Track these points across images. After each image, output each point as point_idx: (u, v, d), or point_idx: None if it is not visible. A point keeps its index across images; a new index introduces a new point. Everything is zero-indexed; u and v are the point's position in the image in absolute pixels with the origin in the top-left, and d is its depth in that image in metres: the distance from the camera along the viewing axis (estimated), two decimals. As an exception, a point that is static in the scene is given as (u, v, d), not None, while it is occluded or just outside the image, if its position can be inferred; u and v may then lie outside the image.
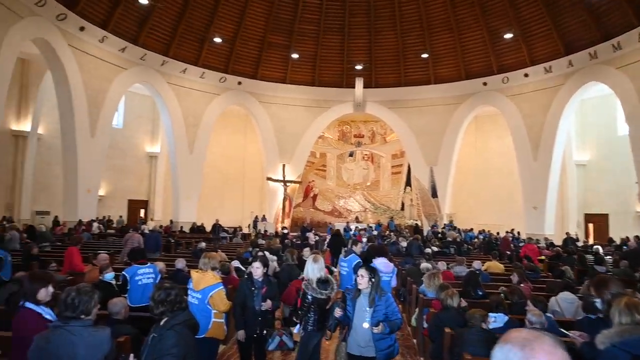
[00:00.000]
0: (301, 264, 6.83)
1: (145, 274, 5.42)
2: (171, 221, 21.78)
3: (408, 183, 26.82)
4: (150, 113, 25.96)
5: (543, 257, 11.28)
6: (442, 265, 7.74)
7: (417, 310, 6.03)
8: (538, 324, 3.83)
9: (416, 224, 22.81)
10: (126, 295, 5.18)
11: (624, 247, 12.74)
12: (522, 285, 5.83)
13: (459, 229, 19.89)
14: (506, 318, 4.30)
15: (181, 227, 21.27)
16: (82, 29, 17.34)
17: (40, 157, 20.64)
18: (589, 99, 21.65)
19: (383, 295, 3.85)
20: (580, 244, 17.84)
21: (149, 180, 25.95)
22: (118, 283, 5.39)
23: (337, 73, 24.97)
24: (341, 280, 7.78)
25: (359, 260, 6.34)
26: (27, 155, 19.46)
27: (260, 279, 4.69)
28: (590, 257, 11.02)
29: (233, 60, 23.21)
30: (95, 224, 17.59)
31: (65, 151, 17.67)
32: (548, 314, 4.43)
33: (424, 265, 7.22)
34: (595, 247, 14.25)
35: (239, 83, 23.71)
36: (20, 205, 19.25)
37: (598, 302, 3.52)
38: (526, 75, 20.83)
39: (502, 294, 5.54)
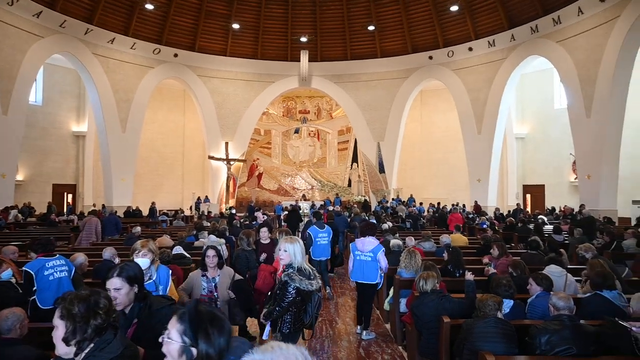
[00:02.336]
0: (258, 248, 6.04)
1: (57, 267, 4.25)
2: (103, 206, 19.92)
3: (355, 159, 26.52)
4: (74, 88, 23.44)
5: (498, 228, 11.30)
6: (409, 240, 7.27)
7: (390, 292, 5.48)
8: (567, 309, 3.19)
9: (365, 199, 22.59)
10: (34, 297, 4.08)
11: (580, 215, 13.11)
12: (503, 259, 5.46)
13: (407, 203, 19.86)
14: (511, 302, 3.81)
15: (114, 211, 19.52)
16: (-16, -13, 14.91)
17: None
18: (528, 74, 22.22)
19: None
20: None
21: (77, 162, 23.59)
22: (21, 282, 4.26)
23: (281, 46, 23.81)
24: (315, 250, 7.58)
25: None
26: None
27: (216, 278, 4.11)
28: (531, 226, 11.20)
29: (168, 31, 21.31)
30: (13, 212, 15.57)
31: (-28, 130, 15.36)
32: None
33: (395, 242, 6.67)
34: (540, 216, 14.67)
35: (175, 55, 21.91)
36: None
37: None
38: (470, 49, 20.91)
39: (490, 271, 5.12)
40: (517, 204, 18.48)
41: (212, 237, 7.59)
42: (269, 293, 3.70)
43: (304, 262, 3.39)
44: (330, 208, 15.32)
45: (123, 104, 20.45)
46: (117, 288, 2.36)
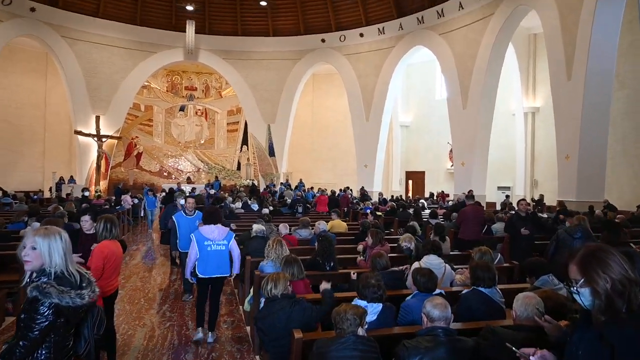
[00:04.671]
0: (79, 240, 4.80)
1: None
2: None
3: (245, 141, 25.41)
4: None
5: (380, 213, 11.29)
6: (283, 228, 6.60)
7: (251, 291, 4.74)
8: (443, 320, 2.59)
9: (253, 183, 21.71)
10: None
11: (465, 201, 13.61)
12: (377, 247, 5.05)
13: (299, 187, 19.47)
14: (379, 306, 3.19)
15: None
16: None
17: None
18: (414, 64, 23.06)
19: None
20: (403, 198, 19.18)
21: None
22: None
23: (165, 12, 21.62)
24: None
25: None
26: None
27: None
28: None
29: (21, -21, 17.93)
30: None
31: None
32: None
33: (256, 227, 5.91)
34: (420, 201, 15.20)
35: (32, 10, 18.53)
36: None
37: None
38: (362, 35, 20.98)
39: (362, 261, 4.62)
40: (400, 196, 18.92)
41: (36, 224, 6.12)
42: None
43: (67, 264, 2.15)
44: (212, 192, 14.18)
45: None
46: None
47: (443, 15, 18.13)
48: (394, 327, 3.21)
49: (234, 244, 4.94)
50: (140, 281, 7.59)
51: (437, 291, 3.40)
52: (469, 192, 14.07)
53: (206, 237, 4.80)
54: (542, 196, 16.21)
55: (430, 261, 4.20)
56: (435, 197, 17.64)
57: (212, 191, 14.67)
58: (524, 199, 7.70)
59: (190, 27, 21.29)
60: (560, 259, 5.43)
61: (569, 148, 12.76)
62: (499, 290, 3.63)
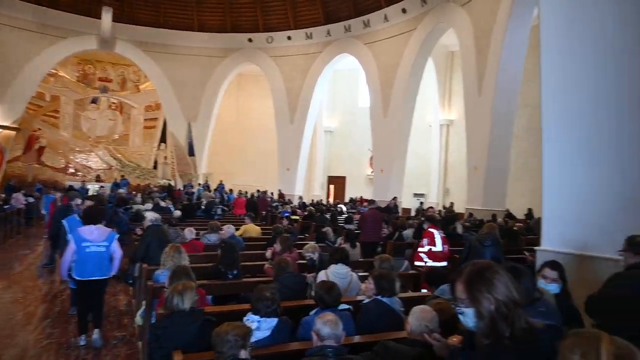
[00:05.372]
0: None
1: None
2: None
3: (163, 139, 24.11)
4: None
5: (297, 217, 11.15)
6: (189, 232, 6.15)
7: (143, 303, 4.30)
8: (333, 338, 2.43)
9: (169, 184, 20.61)
10: None
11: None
12: (286, 254, 4.80)
13: (218, 189, 18.77)
14: (274, 321, 2.91)
15: None
16: None
17: None
18: (340, 71, 23.40)
19: None
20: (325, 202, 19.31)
21: None
22: None
23: (77, -5, 19.88)
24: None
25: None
26: None
27: None
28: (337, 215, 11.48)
29: None
30: None
31: None
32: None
33: (150, 215, 5.41)
34: (339, 205, 15.33)
35: None
36: None
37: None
38: (289, 38, 20.85)
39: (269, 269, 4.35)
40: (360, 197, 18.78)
41: None
42: None
43: None
44: (121, 191, 13.16)
45: None
46: None
47: (369, 26, 18.55)
48: (289, 344, 3.00)
49: (115, 245, 4.75)
50: (22, 292, 6.69)
51: (343, 306, 3.24)
52: (393, 199, 14.51)
53: (85, 238, 4.55)
54: (452, 204, 17.12)
55: (337, 270, 4.07)
56: (355, 202, 17.92)
57: (122, 190, 13.59)
58: (432, 207, 7.97)
59: (107, 14, 19.80)
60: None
61: (477, 160, 13.55)
62: (399, 300, 3.56)
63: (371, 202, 9.67)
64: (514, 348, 1.46)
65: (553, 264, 3.03)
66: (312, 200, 19.23)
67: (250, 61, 21.75)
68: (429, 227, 6.44)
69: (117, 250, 4.77)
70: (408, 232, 8.05)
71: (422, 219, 8.21)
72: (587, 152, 4.07)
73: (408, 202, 19.89)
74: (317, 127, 23.25)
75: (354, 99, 24.64)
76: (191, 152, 21.58)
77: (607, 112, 3.97)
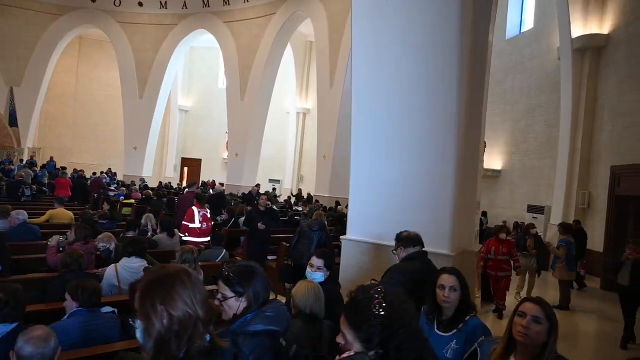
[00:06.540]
0: None
1: None
2: None
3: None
4: None
5: (132, 201, 10.19)
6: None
7: None
8: (37, 358, 1.85)
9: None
10: None
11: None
12: (78, 244, 4.13)
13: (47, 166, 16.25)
14: (10, 327, 2.22)
15: None
16: None
17: None
18: (198, 48, 22.18)
19: None
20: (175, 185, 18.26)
21: None
22: None
23: None
24: None
25: None
26: None
27: None
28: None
29: None
30: None
31: None
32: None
33: None
34: (186, 190, 14.51)
35: None
36: None
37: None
38: (140, 4, 18.94)
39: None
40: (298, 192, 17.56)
41: None
42: None
43: None
44: None
45: None
46: None
47: (229, 4, 17.83)
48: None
49: None
50: None
51: (106, 309, 2.79)
52: (256, 186, 14.13)
53: None
54: (300, 190, 17.64)
55: (128, 264, 3.63)
56: (206, 186, 17.24)
57: None
58: (265, 194, 7.95)
59: None
60: (301, 247, 5.78)
61: (326, 149, 14.08)
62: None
63: (190, 184, 9.31)
64: None
65: (319, 253, 3.07)
66: (160, 182, 17.98)
67: (92, 24, 19.24)
68: (193, 206, 6.68)
69: None
70: (243, 219, 7.90)
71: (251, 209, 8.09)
72: (387, 153, 4.40)
73: (264, 187, 19.89)
74: (170, 104, 21.78)
75: (213, 78, 23.64)
76: (13, 122, 18.31)
77: (399, 116, 4.37)
